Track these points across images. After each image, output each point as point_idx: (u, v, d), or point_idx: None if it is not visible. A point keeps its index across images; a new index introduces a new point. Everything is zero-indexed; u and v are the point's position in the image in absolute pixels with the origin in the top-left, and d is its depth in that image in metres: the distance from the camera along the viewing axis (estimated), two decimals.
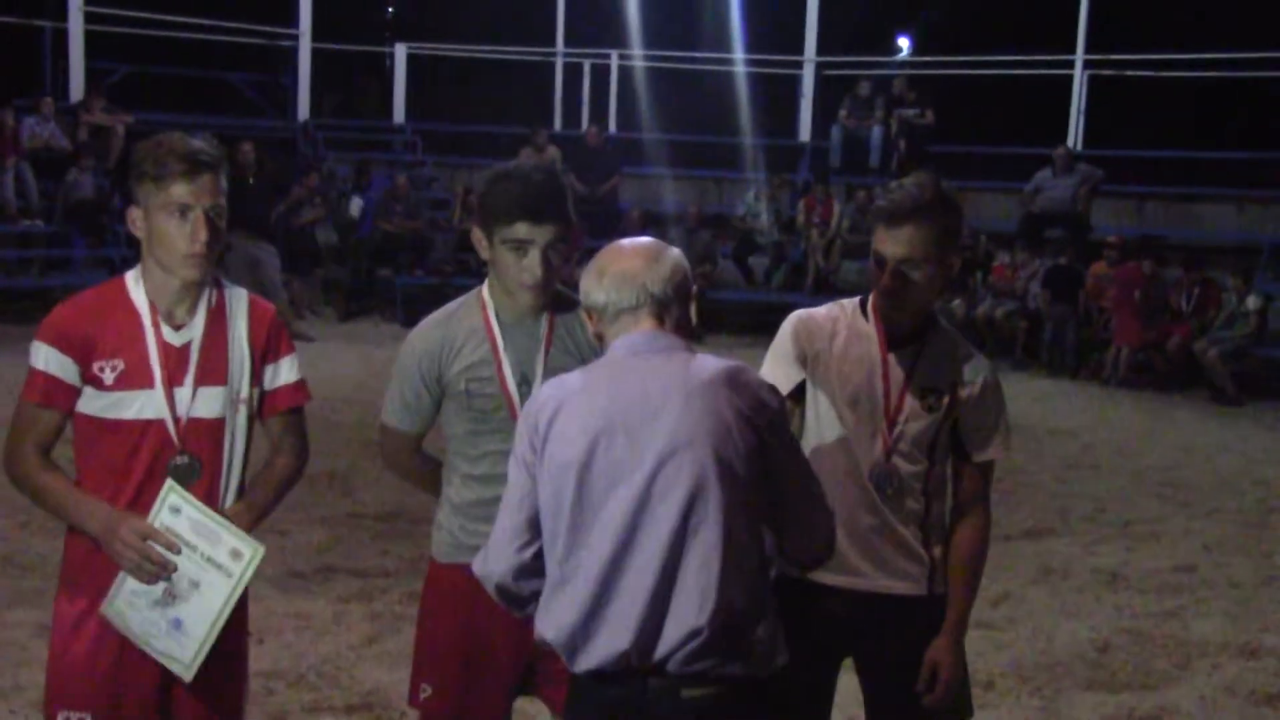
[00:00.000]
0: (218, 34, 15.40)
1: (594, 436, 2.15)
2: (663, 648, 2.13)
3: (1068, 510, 6.92)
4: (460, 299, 2.80)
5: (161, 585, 2.44)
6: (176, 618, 2.46)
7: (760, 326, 10.84)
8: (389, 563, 5.52)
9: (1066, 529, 6.58)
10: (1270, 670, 4.72)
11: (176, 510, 2.43)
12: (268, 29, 15.75)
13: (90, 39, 14.21)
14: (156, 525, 2.43)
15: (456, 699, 2.76)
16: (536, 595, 2.25)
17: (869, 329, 2.75)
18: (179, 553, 2.44)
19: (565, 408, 2.18)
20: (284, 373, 2.65)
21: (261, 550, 2.49)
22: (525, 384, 2.68)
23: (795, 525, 2.32)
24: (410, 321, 2.84)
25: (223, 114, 15.60)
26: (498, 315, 2.71)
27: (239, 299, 2.61)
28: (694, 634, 2.13)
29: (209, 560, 2.45)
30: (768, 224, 13.45)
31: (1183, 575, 5.83)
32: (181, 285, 2.50)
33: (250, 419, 2.61)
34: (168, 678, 2.53)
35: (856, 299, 2.83)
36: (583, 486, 2.15)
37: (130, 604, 2.46)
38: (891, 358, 2.72)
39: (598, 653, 2.15)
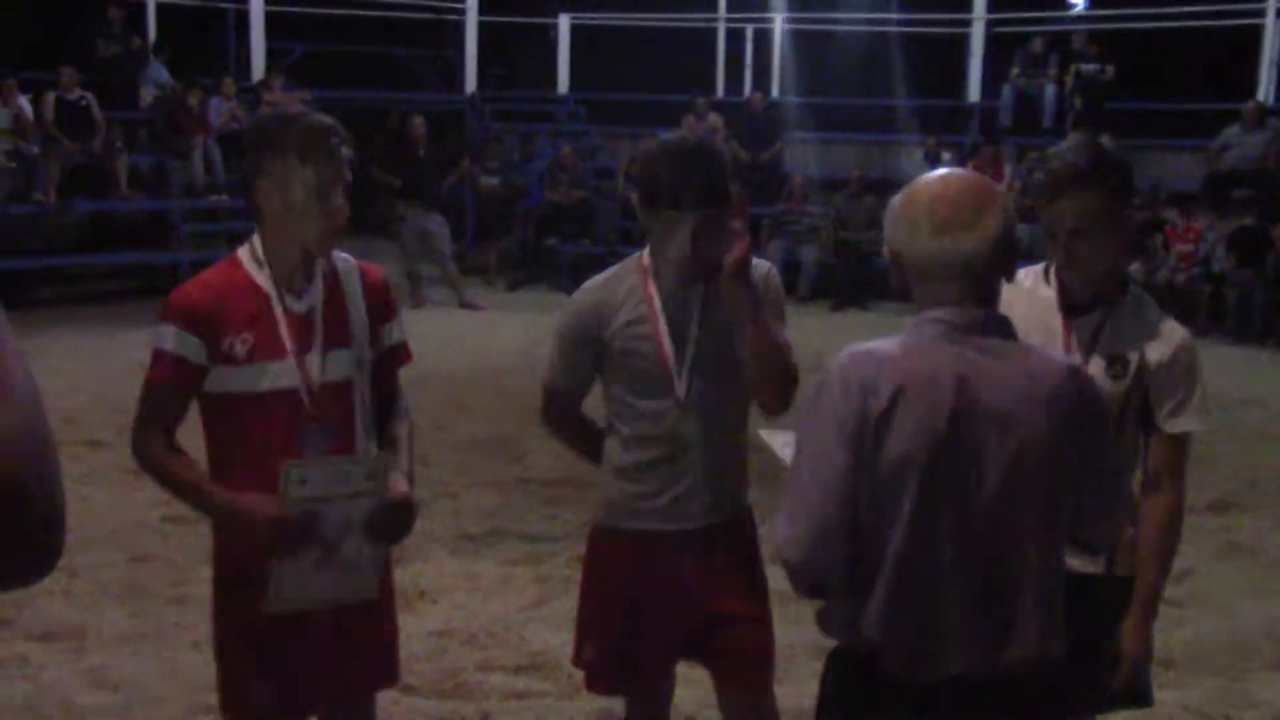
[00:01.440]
0: (388, 10, 15.80)
1: (941, 438, 1.94)
2: (1003, 665, 2.02)
3: (1256, 483, 6.59)
4: (622, 263, 2.83)
5: (317, 547, 2.45)
6: (345, 559, 2.49)
7: None
8: (556, 527, 5.61)
9: (1255, 503, 6.27)
10: None
11: (303, 480, 2.41)
12: (436, 4, 16.09)
13: (269, 19, 14.76)
14: (289, 508, 2.40)
15: (619, 660, 2.80)
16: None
17: (1050, 294, 2.68)
18: (318, 523, 2.43)
19: (906, 397, 1.94)
20: (395, 334, 2.69)
21: (381, 455, 2.57)
22: (680, 343, 2.69)
23: (1098, 516, 2.16)
24: (576, 289, 2.86)
25: (394, 89, 16.04)
26: (656, 277, 2.72)
27: (349, 264, 2.63)
28: (1037, 659, 2.03)
29: (352, 495, 2.46)
30: None
31: None
32: (300, 255, 2.51)
33: (370, 379, 2.63)
34: (333, 647, 2.58)
35: (1043, 264, 2.75)
36: (926, 490, 1.95)
37: (296, 585, 2.46)
38: (1076, 324, 2.64)
39: (939, 666, 2.01)
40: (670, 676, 2.91)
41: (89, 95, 12.14)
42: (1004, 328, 2.05)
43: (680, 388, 2.70)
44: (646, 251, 2.77)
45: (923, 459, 1.94)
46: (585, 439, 2.94)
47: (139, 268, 12.61)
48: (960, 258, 1.98)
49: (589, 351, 2.76)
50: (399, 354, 2.71)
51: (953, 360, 1.98)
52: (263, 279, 2.51)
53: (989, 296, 2.03)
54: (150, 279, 12.25)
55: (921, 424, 1.94)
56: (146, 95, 13.15)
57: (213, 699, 2.72)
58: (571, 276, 12.46)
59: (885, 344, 2.03)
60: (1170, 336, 2.65)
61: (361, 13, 15.56)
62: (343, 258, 2.63)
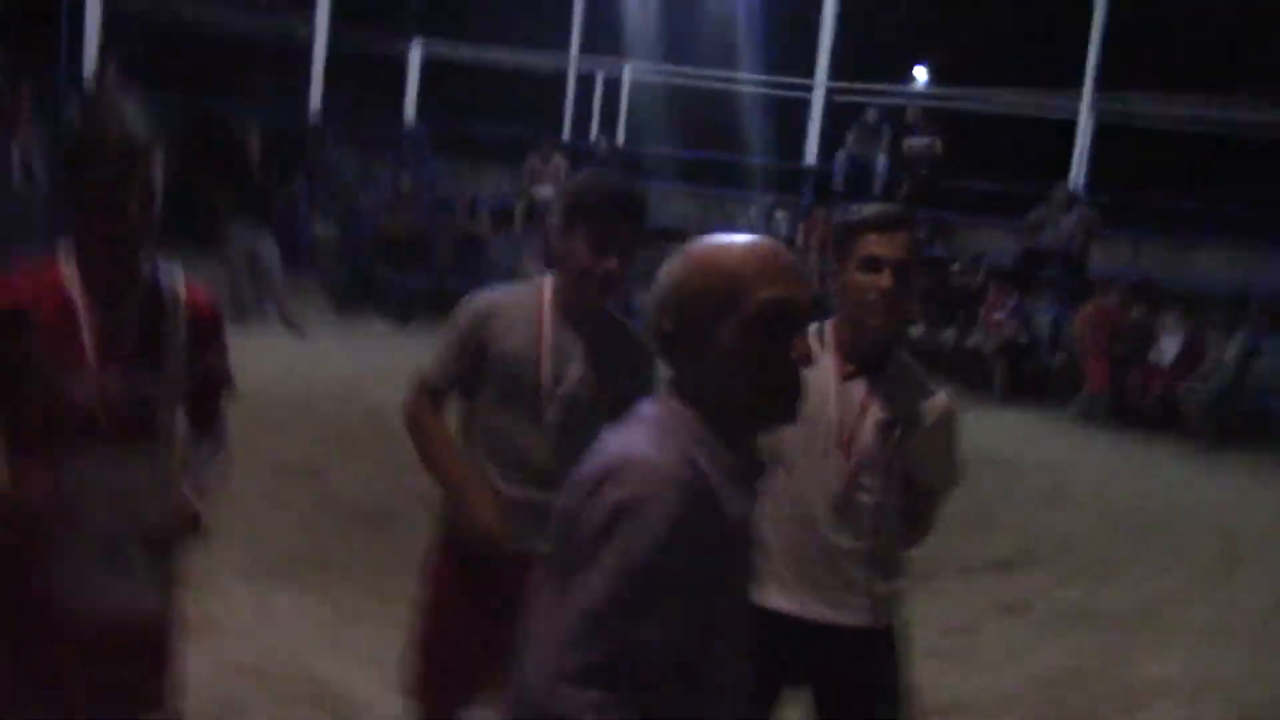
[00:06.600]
0: (234, 26, 15.47)
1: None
2: None
3: (1038, 543, 6.94)
4: (526, 283, 2.93)
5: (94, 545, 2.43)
6: (127, 563, 2.46)
7: None
8: (356, 558, 5.54)
9: (1033, 564, 6.60)
10: (1215, 714, 4.76)
11: (74, 470, 2.41)
12: (285, 21, 15.82)
13: (106, 18, 14.27)
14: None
15: (464, 668, 2.84)
16: None
17: (827, 358, 2.76)
18: (85, 513, 2.40)
19: None
20: (216, 359, 2.63)
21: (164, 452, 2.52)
22: (558, 382, 2.77)
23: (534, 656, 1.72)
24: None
25: (233, 102, 15.68)
26: (554, 307, 2.81)
27: (175, 281, 2.55)
28: None
29: (130, 492, 2.44)
30: None
31: (1143, 616, 5.86)
32: (114, 264, 2.44)
33: (179, 402, 2.57)
34: (99, 660, 2.50)
35: (814, 326, 2.85)
36: None
37: (73, 586, 2.42)
38: (848, 386, 2.73)
39: None
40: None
41: None
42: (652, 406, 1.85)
43: (551, 413, 2.76)
44: (549, 282, 2.85)
45: None
46: (436, 441, 2.89)
47: None
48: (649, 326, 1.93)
49: (467, 351, 2.82)
50: (218, 381, 2.65)
51: None
52: (72, 283, 2.43)
53: (671, 363, 1.87)
54: None
55: None
56: None
57: None
58: (402, 307, 12.38)
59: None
60: (936, 399, 2.78)
61: (206, 23, 15.19)
62: (171, 274, 2.55)
